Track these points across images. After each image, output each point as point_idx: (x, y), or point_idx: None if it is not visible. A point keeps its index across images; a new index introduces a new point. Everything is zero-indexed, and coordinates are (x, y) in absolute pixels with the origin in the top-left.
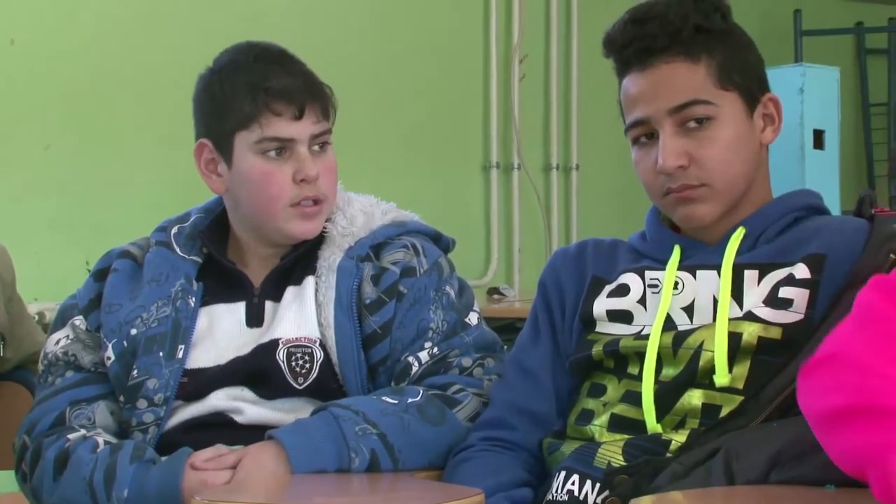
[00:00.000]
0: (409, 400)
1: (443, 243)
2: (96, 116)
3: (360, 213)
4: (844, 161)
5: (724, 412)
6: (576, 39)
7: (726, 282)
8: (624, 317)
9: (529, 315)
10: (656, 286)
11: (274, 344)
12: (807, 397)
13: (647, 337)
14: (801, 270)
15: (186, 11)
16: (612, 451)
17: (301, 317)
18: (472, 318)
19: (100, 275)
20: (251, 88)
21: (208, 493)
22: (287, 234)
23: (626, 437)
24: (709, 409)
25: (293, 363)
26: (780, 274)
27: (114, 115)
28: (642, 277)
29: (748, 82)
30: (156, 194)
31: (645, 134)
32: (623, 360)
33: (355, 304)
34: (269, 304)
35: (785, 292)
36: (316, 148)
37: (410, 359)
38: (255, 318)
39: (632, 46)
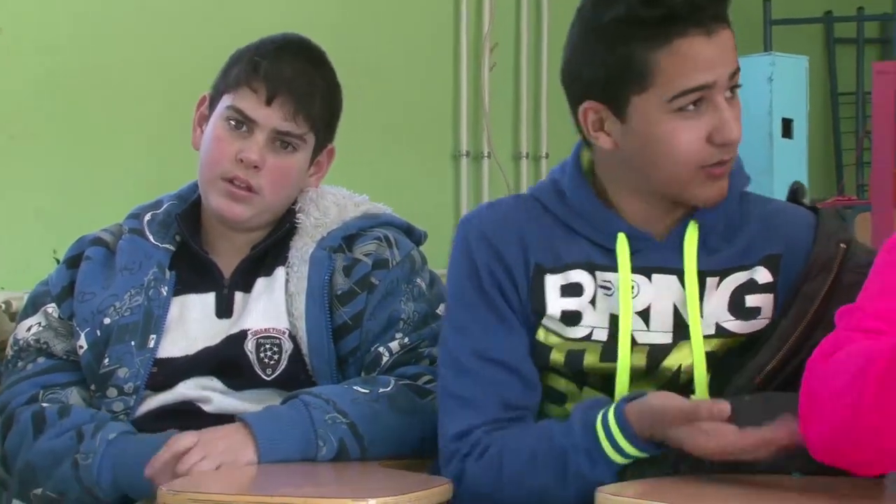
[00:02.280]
0: (381, 390)
1: (415, 236)
2: (68, 106)
3: (332, 205)
4: (813, 150)
5: None
6: (546, 28)
7: (693, 297)
8: (572, 318)
9: (475, 297)
10: (609, 289)
11: (243, 335)
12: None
13: (599, 343)
14: (763, 275)
15: (167, 7)
16: None
17: (270, 308)
18: (443, 310)
19: (72, 262)
20: (249, 60)
21: (176, 483)
22: (212, 206)
23: None
24: None
25: (262, 354)
26: (740, 278)
27: (87, 105)
28: (593, 276)
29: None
30: (124, 184)
31: (694, 102)
32: (582, 373)
33: (327, 294)
34: (238, 295)
35: (751, 300)
36: (278, 145)
37: (381, 349)
38: (224, 309)
39: (703, 10)
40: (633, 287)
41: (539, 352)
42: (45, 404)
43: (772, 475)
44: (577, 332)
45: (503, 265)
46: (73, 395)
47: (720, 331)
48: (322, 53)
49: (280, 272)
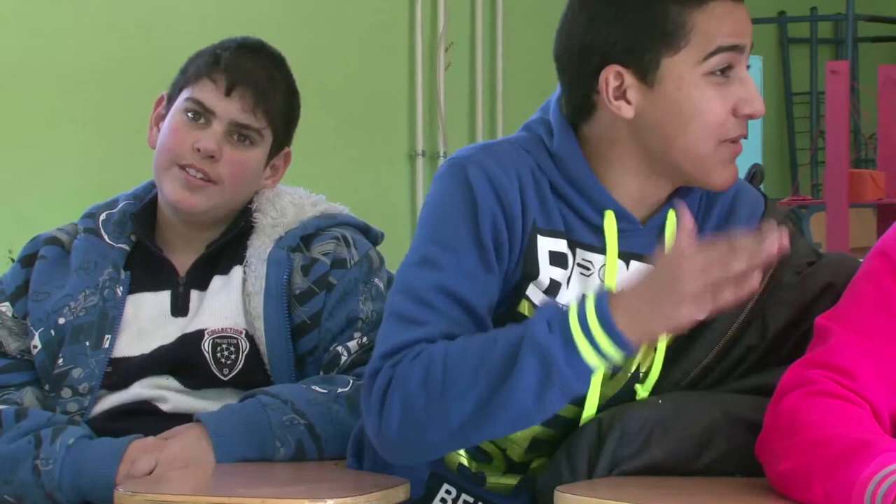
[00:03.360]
0: (339, 390)
1: (371, 236)
2: (13, 103)
3: (290, 205)
4: (767, 149)
5: None
6: (501, 28)
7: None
8: (554, 289)
9: (464, 235)
10: (588, 269)
11: (199, 334)
12: (766, 466)
13: None
14: None
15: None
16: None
17: (227, 307)
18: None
19: (26, 261)
20: (210, 55)
21: (132, 483)
22: (168, 197)
23: (542, 460)
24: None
25: (218, 354)
26: None
27: (32, 102)
28: (574, 253)
29: None
30: (78, 181)
31: (723, 69)
32: None
33: (285, 294)
34: (194, 293)
35: None
36: (236, 138)
37: (339, 349)
38: (179, 308)
39: None
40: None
41: (517, 321)
42: (0, 406)
43: (717, 477)
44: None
45: (507, 216)
46: (28, 396)
47: None
48: (283, 57)
49: (237, 271)
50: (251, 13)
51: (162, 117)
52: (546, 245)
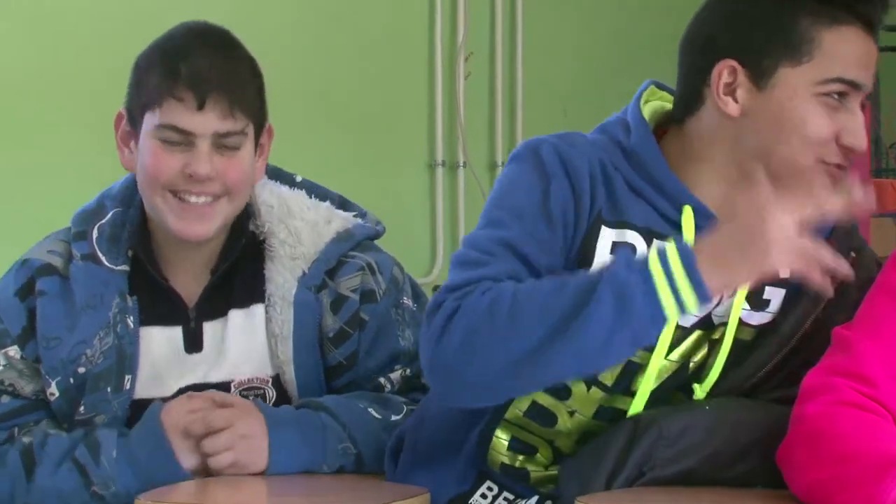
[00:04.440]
0: (393, 417)
1: (379, 236)
2: (16, 106)
3: (303, 227)
4: None
5: None
6: (521, 37)
7: (741, 294)
8: None
9: (534, 202)
10: None
11: (225, 387)
12: (789, 478)
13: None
14: None
15: (119, 3)
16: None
17: (252, 352)
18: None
19: (23, 293)
20: (163, 66)
21: (151, 494)
22: (170, 229)
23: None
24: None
25: (250, 399)
26: None
27: (35, 105)
28: (648, 244)
29: None
30: (82, 184)
31: (840, 93)
32: None
33: (317, 338)
34: (207, 326)
35: (768, 292)
36: (223, 147)
37: (382, 380)
38: (194, 344)
39: (875, 9)
40: None
41: None
42: (25, 440)
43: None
44: None
45: (575, 195)
46: (50, 425)
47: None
48: (230, 35)
49: (258, 310)
50: (264, 21)
51: (129, 136)
52: (610, 236)
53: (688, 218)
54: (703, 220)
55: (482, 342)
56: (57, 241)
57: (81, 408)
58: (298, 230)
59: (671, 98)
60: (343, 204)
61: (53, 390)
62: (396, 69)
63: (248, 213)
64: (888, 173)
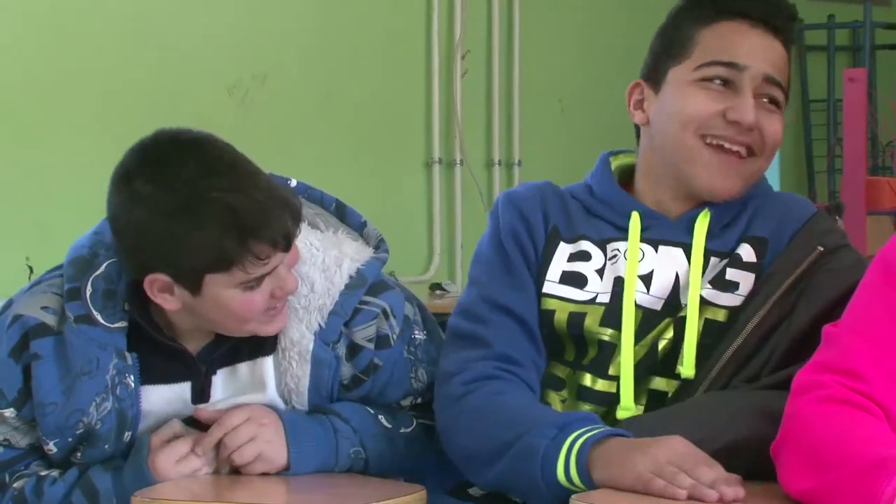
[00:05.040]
0: (402, 430)
1: (385, 264)
2: (31, 111)
3: (315, 273)
4: (785, 158)
5: (668, 400)
6: (518, 35)
7: (697, 267)
8: (577, 280)
9: (493, 256)
10: (615, 257)
11: None
12: (781, 478)
13: (602, 305)
14: (747, 252)
15: (120, 4)
16: None
17: (260, 402)
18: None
19: (17, 354)
20: (230, 232)
21: (149, 491)
22: (258, 332)
23: None
24: (657, 396)
25: None
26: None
27: (50, 110)
28: (603, 250)
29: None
30: (96, 190)
31: (721, 78)
32: (581, 339)
33: (333, 391)
34: (216, 379)
35: (731, 274)
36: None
37: (393, 404)
38: (201, 396)
39: (759, 8)
40: (639, 252)
41: (543, 318)
42: (17, 485)
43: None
44: (581, 294)
45: (525, 223)
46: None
47: (700, 300)
48: (254, 167)
49: (267, 362)
50: (267, 23)
51: (168, 287)
52: (567, 249)
53: (634, 221)
54: (651, 220)
55: (463, 445)
56: (50, 294)
57: (79, 454)
58: (311, 278)
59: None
60: (340, 210)
61: (51, 448)
62: (394, 67)
63: None
64: (884, 171)
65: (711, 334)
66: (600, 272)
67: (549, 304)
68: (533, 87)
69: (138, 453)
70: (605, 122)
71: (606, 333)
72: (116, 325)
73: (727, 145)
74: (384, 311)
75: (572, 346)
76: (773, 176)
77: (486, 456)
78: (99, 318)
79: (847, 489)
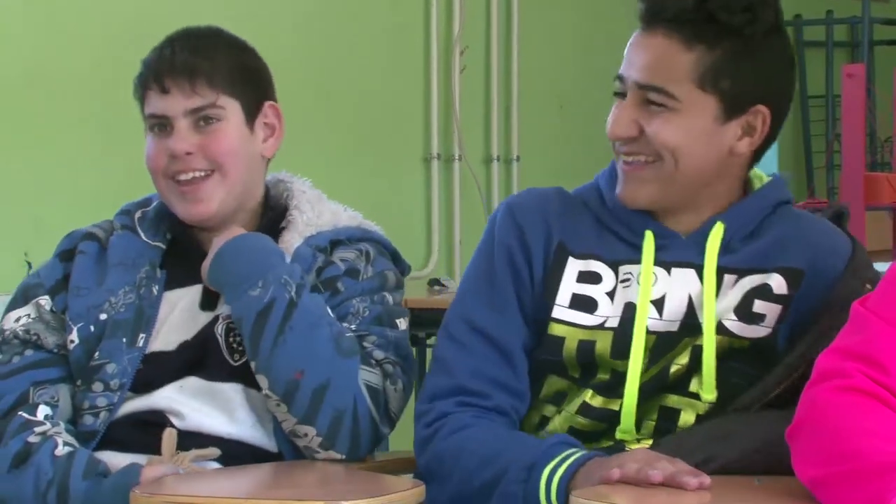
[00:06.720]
0: (337, 329)
1: (400, 265)
2: (30, 107)
3: (328, 211)
4: (783, 153)
5: (681, 416)
6: (516, 31)
7: (710, 291)
8: (587, 304)
9: (481, 269)
10: (628, 281)
11: (214, 320)
12: (795, 463)
13: (611, 330)
14: (779, 283)
15: (120, 4)
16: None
17: None
18: (401, 324)
19: (65, 255)
20: (141, 65)
21: (150, 486)
22: (179, 214)
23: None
24: (668, 413)
25: (230, 338)
26: (755, 280)
27: (49, 106)
28: (616, 272)
29: (740, 91)
30: (95, 186)
31: (619, 93)
32: (591, 365)
33: None
34: None
35: (759, 307)
36: (201, 123)
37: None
38: (209, 302)
39: (644, 4)
40: (652, 277)
41: (551, 345)
42: (35, 429)
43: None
44: (590, 319)
45: (522, 242)
46: (63, 392)
47: (720, 329)
48: (213, 27)
49: None
50: (266, 18)
51: None
52: (576, 265)
53: (648, 242)
54: (664, 238)
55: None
56: (104, 221)
57: (96, 353)
58: (322, 211)
59: None
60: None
61: (74, 337)
62: (392, 63)
63: (270, 197)
64: (883, 167)
65: (735, 358)
66: (611, 295)
67: (558, 330)
68: (531, 82)
69: (128, 471)
70: (603, 117)
71: (618, 364)
72: (156, 242)
73: (623, 157)
74: (367, 254)
75: (577, 368)
76: (771, 171)
77: (468, 497)
78: (142, 234)
79: (855, 485)
